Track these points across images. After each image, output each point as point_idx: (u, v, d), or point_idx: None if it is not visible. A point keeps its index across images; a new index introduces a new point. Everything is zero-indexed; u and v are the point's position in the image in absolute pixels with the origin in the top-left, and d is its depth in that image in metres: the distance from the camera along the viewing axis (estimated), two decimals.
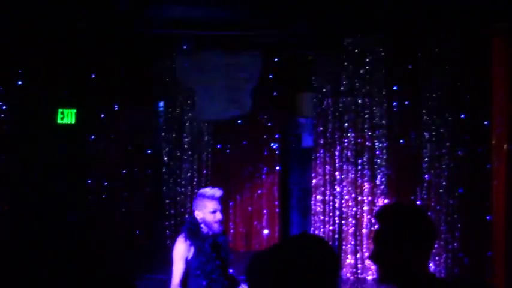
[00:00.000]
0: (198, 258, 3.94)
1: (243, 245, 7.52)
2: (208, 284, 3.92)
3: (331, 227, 7.39)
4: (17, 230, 6.35)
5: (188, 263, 3.95)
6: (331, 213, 7.36)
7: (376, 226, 2.36)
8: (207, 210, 3.97)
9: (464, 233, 6.69)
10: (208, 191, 4.07)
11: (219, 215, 3.97)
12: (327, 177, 7.41)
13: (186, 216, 7.52)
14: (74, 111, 6.83)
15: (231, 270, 4.11)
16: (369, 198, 6.97)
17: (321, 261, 1.76)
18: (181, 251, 3.98)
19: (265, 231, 7.45)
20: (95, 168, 7.28)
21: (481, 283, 5.71)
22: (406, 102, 6.96)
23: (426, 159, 6.87)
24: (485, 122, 6.58)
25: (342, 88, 7.08)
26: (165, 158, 7.60)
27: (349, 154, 7.04)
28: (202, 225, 3.99)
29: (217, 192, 4.02)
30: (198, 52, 7.36)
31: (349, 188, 7.01)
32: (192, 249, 3.96)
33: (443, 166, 6.83)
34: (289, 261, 1.74)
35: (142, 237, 7.42)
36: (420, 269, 2.25)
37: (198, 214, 4.01)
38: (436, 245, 6.72)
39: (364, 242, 6.98)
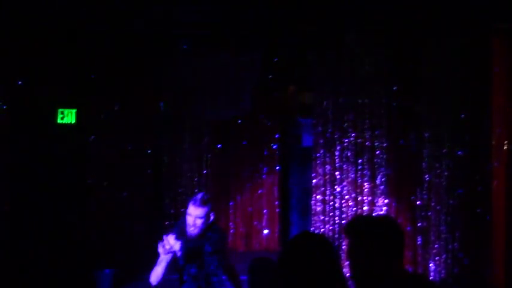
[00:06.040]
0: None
1: (243, 245, 7.51)
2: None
3: (331, 227, 7.40)
4: (17, 230, 6.35)
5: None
6: (331, 213, 7.37)
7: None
8: (187, 212, 4.03)
9: (464, 233, 6.68)
10: (195, 194, 4.13)
11: (189, 219, 3.97)
12: (327, 177, 7.41)
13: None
14: (74, 111, 6.84)
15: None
16: (369, 198, 6.96)
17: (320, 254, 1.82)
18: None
19: (265, 231, 7.45)
20: (95, 168, 7.29)
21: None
22: (406, 103, 6.95)
23: (426, 159, 6.86)
24: (485, 122, 6.58)
25: (342, 88, 7.07)
26: (165, 158, 7.60)
27: (349, 154, 7.03)
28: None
29: (197, 197, 4.04)
30: (198, 52, 7.36)
31: (349, 188, 7.00)
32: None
33: (443, 166, 6.83)
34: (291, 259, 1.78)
35: (142, 237, 7.42)
36: (396, 270, 2.29)
37: None
38: (436, 245, 6.73)
39: None
